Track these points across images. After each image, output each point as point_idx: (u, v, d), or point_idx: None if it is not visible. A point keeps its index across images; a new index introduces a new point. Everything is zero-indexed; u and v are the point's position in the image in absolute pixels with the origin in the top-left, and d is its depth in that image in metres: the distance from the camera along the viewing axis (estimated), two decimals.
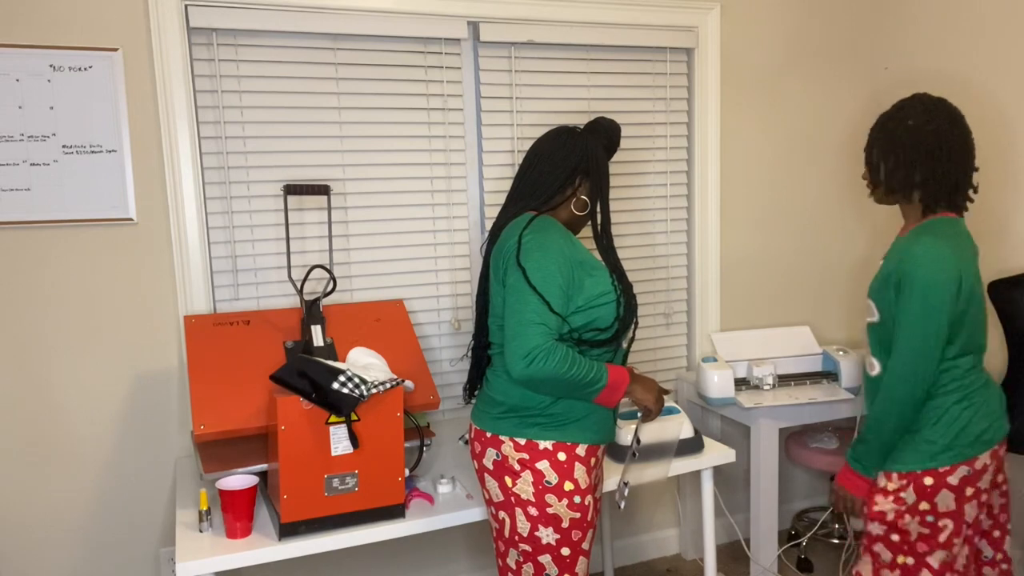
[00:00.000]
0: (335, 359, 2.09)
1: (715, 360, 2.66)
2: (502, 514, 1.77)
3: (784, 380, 2.78)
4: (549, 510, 1.72)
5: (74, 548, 2.34)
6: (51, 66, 2.16)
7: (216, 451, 2.01)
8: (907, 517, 1.76)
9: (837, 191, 3.26)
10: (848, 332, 3.38)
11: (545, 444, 1.73)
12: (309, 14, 2.36)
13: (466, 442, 2.39)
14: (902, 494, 1.76)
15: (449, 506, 1.99)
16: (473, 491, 2.08)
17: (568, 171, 1.82)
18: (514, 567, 1.77)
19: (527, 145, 2.72)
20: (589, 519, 1.77)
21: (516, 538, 1.76)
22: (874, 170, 1.84)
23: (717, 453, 2.27)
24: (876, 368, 1.86)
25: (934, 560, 1.75)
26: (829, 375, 2.78)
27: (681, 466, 2.23)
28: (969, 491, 1.76)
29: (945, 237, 1.70)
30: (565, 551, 1.74)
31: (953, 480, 1.74)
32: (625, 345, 1.86)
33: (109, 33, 2.22)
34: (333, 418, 1.78)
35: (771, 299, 3.20)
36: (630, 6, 2.76)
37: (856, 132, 3.27)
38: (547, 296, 1.65)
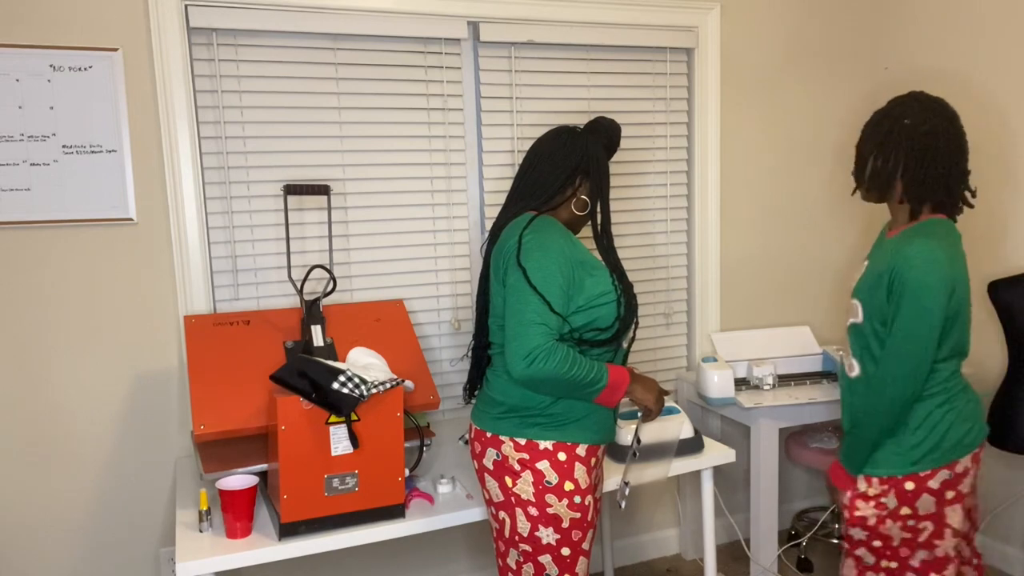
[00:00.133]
0: (335, 359, 2.09)
1: (715, 360, 2.66)
2: (502, 514, 1.77)
3: (784, 380, 2.78)
4: (549, 510, 1.72)
5: (74, 548, 2.34)
6: (51, 66, 2.16)
7: (216, 451, 2.01)
8: (888, 522, 1.76)
9: (837, 191, 3.26)
10: None
11: (545, 444, 1.73)
12: (309, 14, 2.36)
13: (466, 442, 2.39)
14: (883, 499, 1.76)
15: (449, 506, 1.99)
16: (473, 491, 2.08)
17: (568, 171, 1.82)
18: (514, 567, 1.77)
19: (527, 145, 2.72)
20: (589, 519, 1.77)
21: (516, 538, 1.75)
22: (865, 167, 1.81)
23: (717, 453, 2.27)
24: (855, 370, 1.84)
25: (915, 560, 1.75)
26: (829, 375, 2.78)
27: (681, 466, 2.23)
28: (950, 495, 1.75)
29: (939, 239, 1.68)
30: (565, 551, 1.74)
31: (934, 484, 1.73)
32: (625, 345, 1.86)
33: (109, 33, 2.22)
34: (333, 418, 1.78)
35: (771, 299, 3.20)
36: (630, 6, 2.76)
37: (856, 132, 3.26)
38: (547, 296, 1.65)
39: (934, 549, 1.76)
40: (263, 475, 2.05)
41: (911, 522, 1.75)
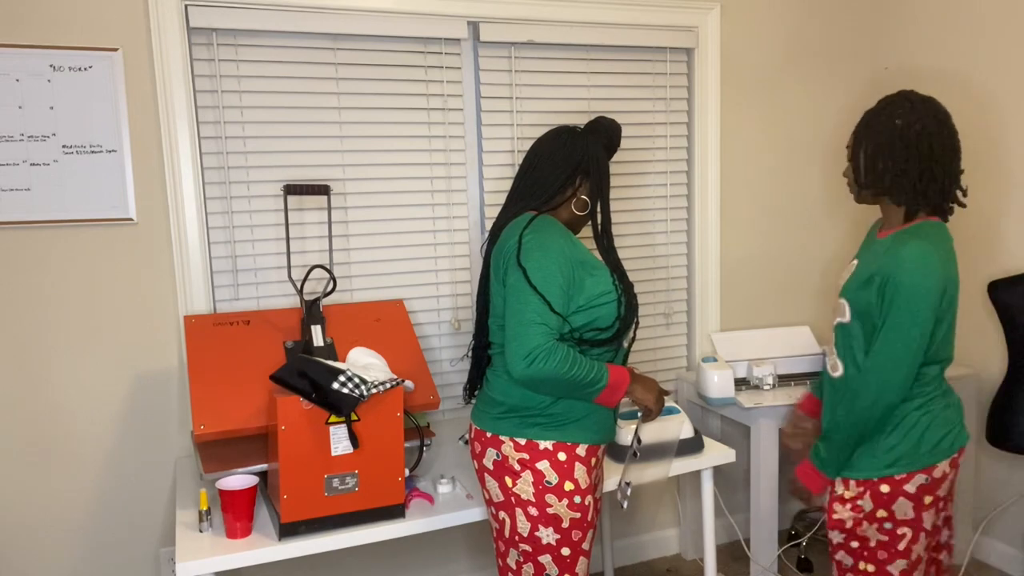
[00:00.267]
0: (335, 359, 2.09)
1: (715, 360, 2.66)
2: (502, 514, 1.77)
3: (784, 380, 2.78)
4: (549, 510, 1.72)
5: (74, 548, 2.34)
6: (51, 66, 2.16)
7: (216, 451, 2.01)
8: (865, 524, 1.75)
9: (837, 191, 3.26)
10: None
11: (545, 444, 1.73)
12: (309, 14, 2.36)
13: (466, 442, 2.38)
14: (859, 502, 1.75)
15: (449, 506, 1.99)
16: (473, 491, 2.08)
17: (568, 171, 1.82)
18: (514, 567, 1.77)
19: (527, 145, 2.72)
20: (589, 519, 1.77)
21: (516, 538, 1.76)
22: (857, 169, 1.79)
23: (717, 453, 2.27)
24: (839, 369, 1.82)
25: (894, 569, 1.75)
26: None
27: (681, 466, 2.23)
28: (927, 499, 1.73)
29: (933, 242, 1.66)
30: (565, 551, 1.74)
31: (910, 488, 1.72)
32: (626, 345, 1.86)
33: (109, 33, 2.22)
34: (333, 418, 1.78)
35: (771, 299, 3.20)
36: (630, 6, 2.76)
37: None
38: (548, 296, 1.65)
39: (909, 555, 1.75)
40: (263, 475, 2.05)
41: (888, 525, 1.73)
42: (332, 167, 2.51)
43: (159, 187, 2.31)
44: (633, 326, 1.82)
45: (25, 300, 2.22)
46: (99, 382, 2.31)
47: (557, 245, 1.69)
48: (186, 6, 2.27)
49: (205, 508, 1.85)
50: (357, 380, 1.77)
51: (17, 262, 2.21)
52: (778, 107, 3.10)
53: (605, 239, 1.84)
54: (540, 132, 2.74)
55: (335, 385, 1.75)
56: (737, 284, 3.12)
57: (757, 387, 2.70)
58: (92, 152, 2.22)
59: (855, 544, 1.77)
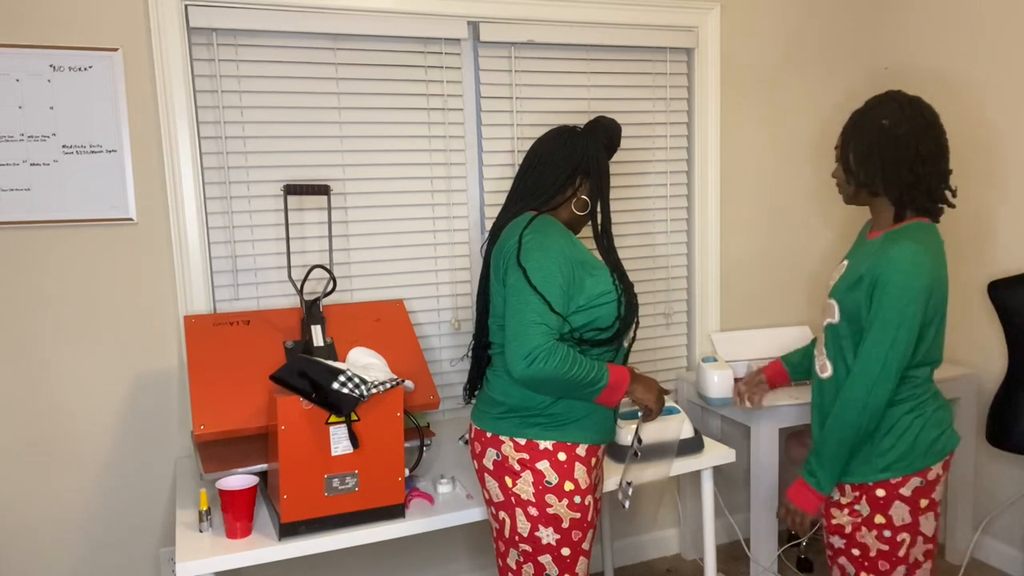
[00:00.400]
0: (335, 359, 2.09)
1: (715, 360, 2.65)
2: (502, 514, 1.77)
3: None
4: (549, 510, 1.72)
5: (74, 548, 2.34)
6: (51, 66, 2.16)
7: (216, 451, 2.01)
8: (864, 530, 1.74)
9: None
10: None
11: (545, 444, 1.73)
12: (309, 14, 2.36)
13: (466, 442, 2.38)
14: (856, 506, 1.75)
15: (449, 506, 1.99)
16: (473, 491, 2.08)
17: (568, 171, 1.82)
18: (514, 567, 1.77)
19: (527, 145, 2.72)
20: (589, 519, 1.77)
21: (516, 538, 1.75)
22: (845, 170, 1.78)
23: (717, 453, 2.27)
24: (828, 370, 1.81)
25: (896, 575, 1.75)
26: None
27: (681, 466, 2.23)
28: (923, 503, 1.73)
29: (923, 243, 1.65)
30: (565, 551, 1.74)
31: (906, 492, 1.72)
32: (626, 345, 1.86)
33: (109, 33, 2.22)
34: (333, 418, 1.78)
35: (771, 299, 3.20)
36: (630, 6, 2.76)
37: None
38: (548, 296, 1.65)
39: (909, 560, 1.75)
40: (263, 475, 2.05)
41: (887, 533, 1.73)
42: (332, 167, 2.51)
43: (159, 187, 2.31)
44: (633, 326, 1.82)
45: (25, 300, 2.22)
46: (99, 382, 2.31)
47: (557, 245, 1.69)
48: (186, 6, 2.27)
49: (205, 508, 1.85)
50: (357, 380, 1.77)
51: (17, 262, 2.21)
52: (778, 107, 3.10)
53: (605, 239, 1.84)
54: (540, 132, 2.74)
55: (335, 385, 1.75)
56: (737, 284, 3.12)
57: None
58: (92, 152, 2.22)
59: (856, 552, 1.76)
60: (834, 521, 1.78)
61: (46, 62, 2.15)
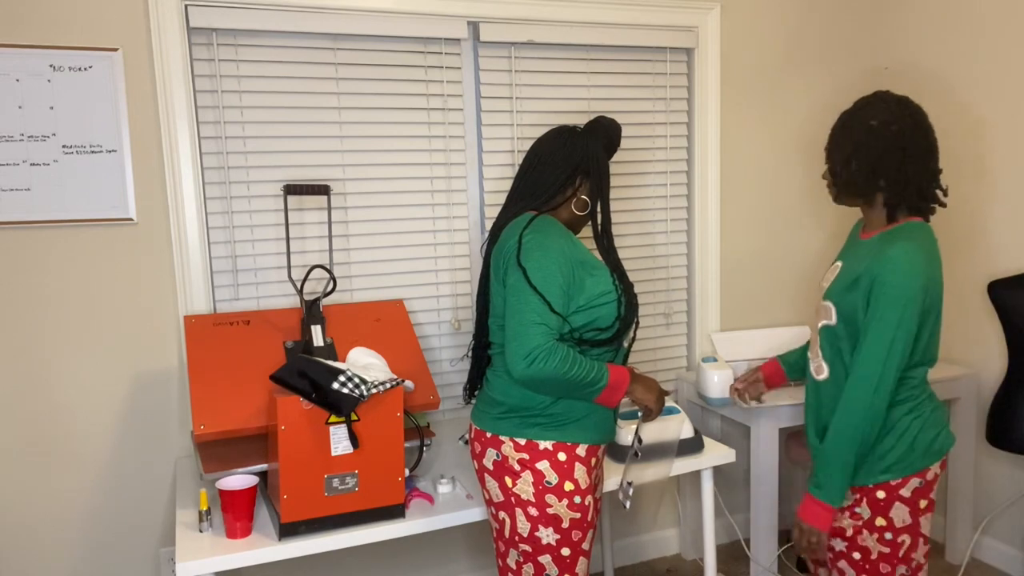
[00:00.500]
0: (335, 359, 2.09)
1: (715, 360, 2.65)
2: (502, 514, 1.77)
3: None
4: (549, 510, 1.72)
5: (74, 548, 2.34)
6: (51, 66, 2.16)
7: (216, 451, 2.01)
8: (865, 533, 1.74)
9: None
10: None
11: (545, 444, 1.73)
12: (309, 14, 2.36)
13: (466, 442, 2.39)
14: (857, 509, 1.74)
15: (449, 506, 1.99)
16: (473, 491, 2.08)
17: (568, 171, 1.81)
18: (514, 567, 1.77)
19: (527, 145, 2.72)
20: (589, 519, 1.77)
21: (516, 538, 1.75)
22: (836, 171, 1.77)
23: (717, 453, 2.27)
24: (825, 372, 1.80)
25: None
26: None
27: (681, 466, 2.23)
28: (923, 503, 1.73)
29: (920, 243, 1.65)
30: (565, 551, 1.74)
31: (906, 493, 1.71)
32: (626, 345, 1.86)
33: (109, 33, 2.22)
34: (333, 418, 1.78)
35: (771, 299, 3.20)
36: (630, 6, 2.76)
37: None
38: (548, 296, 1.65)
39: (911, 562, 1.75)
40: (263, 475, 2.05)
41: (888, 535, 1.72)
42: (332, 167, 2.51)
43: (159, 187, 2.31)
44: (633, 326, 1.82)
45: (25, 300, 2.22)
46: (99, 382, 2.31)
47: (557, 245, 1.69)
48: (186, 6, 2.27)
49: (205, 508, 1.85)
50: (357, 380, 1.77)
51: (17, 262, 2.21)
52: (778, 107, 3.10)
53: (605, 239, 1.84)
54: (540, 132, 2.74)
55: (335, 385, 1.75)
56: (737, 284, 3.12)
57: None
58: (92, 152, 2.22)
59: (857, 556, 1.76)
60: (835, 524, 1.77)
61: (46, 62, 2.15)
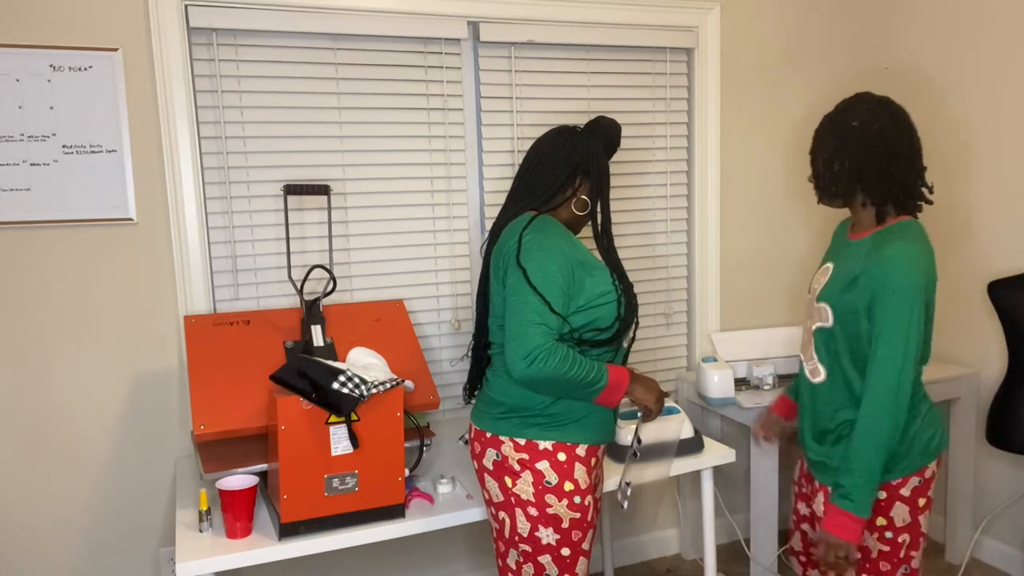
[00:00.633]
0: (335, 359, 2.09)
1: (715, 360, 2.66)
2: (502, 514, 1.77)
3: (784, 380, 2.78)
4: (549, 510, 1.72)
5: (74, 548, 2.34)
6: (51, 66, 2.16)
7: (216, 451, 2.01)
8: (865, 533, 1.74)
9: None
10: None
11: (545, 444, 1.73)
12: (309, 14, 2.36)
13: (466, 442, 2.39)
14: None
15: (449, 506, 1.99)
16: (473, 491, 2.08)
17: (568, 171, 1.81)
18: (514, 567, 1.77)
19: (527, 145, 2.72)
20: (589, 519, 1.77)
21: (516, 538, 1.75)
22: (820, 173, 1.78)
23: (717, 453, 2.27)
24: (821, 374, 1.79)
25: None
26: None
27: (681, 466, 2.23)
28: (922, 502, 1.73)
29: (916, 241, 1.65)
30: (565, 551, 1.74)
31: (905, 492, 1.72)
32: (626, 345, 1.86)
33: (109, 33, 2.22)
34: (333, 418, 1.78)
35: (771, 299, 3.20)
36: (630, 6, 2.76)
37: None
38: (547, 296, 1.65)
39: (911, 561, 1.75)
40: (263, 475, 2.05)
41: (888, 534, 1.73)
42: (332, 167, 2.51)
43: (159, 187, 2.31)
44: (633, 326, 1.82)
45: (25, 300, 2.22)
46: (99, 382, 2.31)
47: (557, 245, 1.69)
48: (186, 6, 2.27)
49: (205, 508, 1.85)
50: (357, 380, 1.77)
51: (17, 262, 2.21)
52: (778, 107, 3.10)
53: (605, 239, 1.84)
54: (540, 132, 2.74)
55: (335, 385, 1.75)
56: (737, 284, 3.12)
57: (757, 387, 2.70)
58: (92, 152, 2.22)
59: (857, 556, 1.76)
60: None
61: (46, 62, 2.15)
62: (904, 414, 1.64)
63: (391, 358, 2.20)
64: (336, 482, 1.80)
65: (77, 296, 2.27)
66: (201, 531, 1.86)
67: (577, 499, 1.74)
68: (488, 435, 1.78)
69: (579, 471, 1.75)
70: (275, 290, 2.48)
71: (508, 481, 1.75)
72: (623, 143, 2.88)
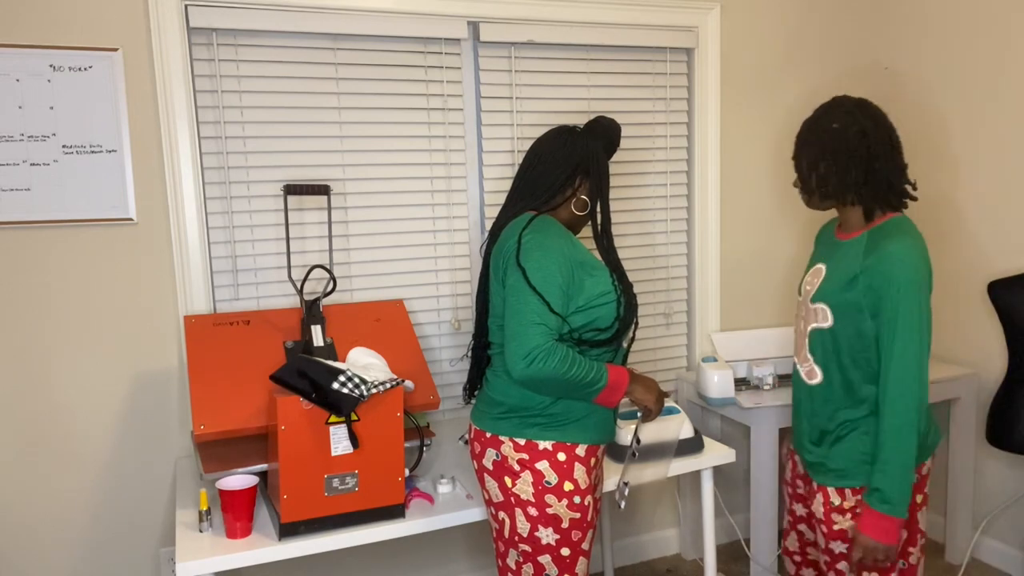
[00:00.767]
0: (335, 359, 2.09)
1: (715, 360, 2.66)
2: (502, 514, 1.78)
3: (784, 380, 2.78)
4: (549, 510, 1.72)
5: (74, 548, 2.34)
6: (51, 66, 2.16)
7: (216, 451, 2.01)
8: None
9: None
10: None
11: (545, 444, 1.73)
12: (309, 14, 2.36)
13: (466, 442, 2.39)
14: (858, 510, 1.74)
15: (449, 506, 1.99)
16: (473, 491, 2.08)
17: (568, 171, 1.81)
18: (514, 567, 1.77)
19: (527, 145, 2.72)
20: (589, 519, 1.77)
21: (516, 538, 1.76)
22: (805, 177, 1.80)
23: (717, 453, 2.27)
24: (818, 376, 1.80)
25: (894, 571, 1.75)
26: None
27: (681, 466, 2.23)
28: (919, 498, 1.74)
29: (913, 235, 1.67)
30: (565, 551, 1.74)
31: None
32: (625, 345, 1.86)
33: (109, 33, 2.22)
34: (333, 418, 1.78)
35: (771, 299, 3.20)
36: (630, 6, 2.76)
37: None
38: (547, 296, 1.65)
39: (908, 557, 1.75)
40: (263, 475, 2.05)
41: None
42: (332, 167, 2.51)
43: (159, 187, 2.31)
44: (632, 326, 1.82)
45: (25, 300, 2.22)
46: (99, 382, 2.31)
47: (556, 245, 1.69)
48: (186, 6, 2.27)
49: (205, 508, 1.85)
50: (357, 380, 1.77)
51: (17, 262, 2.21)
52: (778, 107, 3.10)
53: (605, 239, 1.84)
54: (540, 132, 2.74)
55: (335, 385, 1.75)
56: (737, 284, 3.12)
57: (757, 387, 2.70)
58: (92, 152, 2.22)
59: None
60: (836, 527, 1.77)
61: (46, 62, 2.15)
62: (926, 406, 1.65)
63: (391, 358, 2.20)
64: (336, 482, 1.80)
65: (77, 296, 2.27)
66: (201, 531, 1.86)
67: (577, 499, 1.74)
68: (488, 435, 1.78)
69: (579, 471, 1.75)
70: (275, 290, 2.48)
71: (508, 481, 1.75)
72: (623, 143, 2.88)
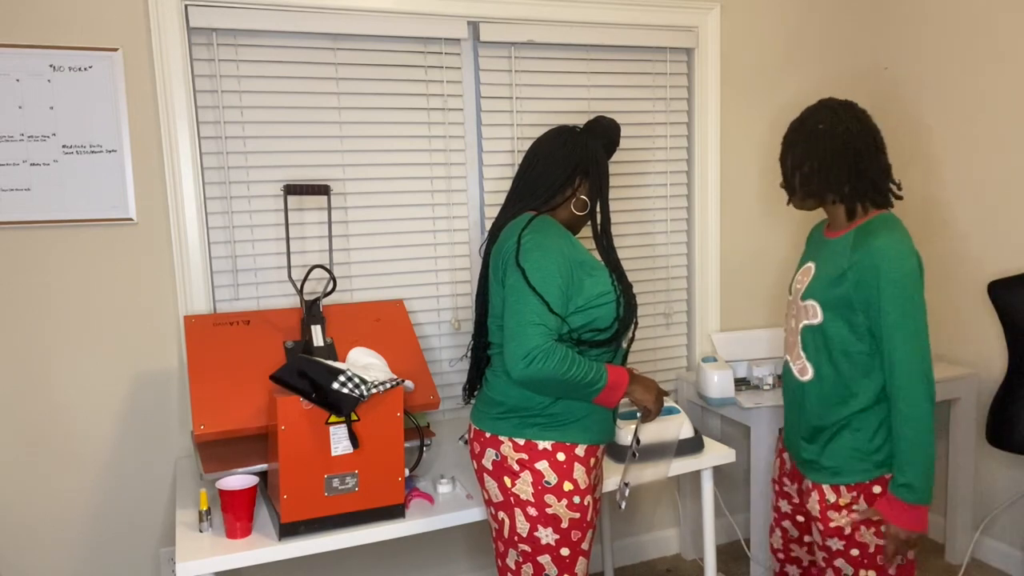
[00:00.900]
0: (335, 359, 2.09)
1: (715, 360, 2.66)
2: (501, 514, 1.78)
3: None
4: (548, 510, 1.72)
5: (74, 548, 2.34)
6: (51, 66, 2.16)
7: (216, 451, 2.01)
8: (863, 529, 1.75)
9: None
10: None
11: (544, 444, 1.73)
12: (309, 14, 2.37)
13: (466, 442, 2.39)
14: (855, 506, 1.75)
15: (449, 506, 1.99)
16: (473, 491, 2.08)
17: (568, 171, 1.81)
18: (513, 567, 1.77)
19: (527, 145, 2.72)
20: (588, 519, 1.77)
21: (515, 538, 1.76)
22: (789, 176, 1.83)
23: (717, 453, 2.27)
24: (809, 372, 1.81)
25: (893, 569, 1.75)
26: None
27: (681, 466, 2.23)
28: None
29: (900, 231, 1.69)
30: (564, 551, 1.74)
31: None
32: (625, 345, 1.86)
33: (109, 33, 2.22)
34: (333, 418, 1.78)
35: (771, 299, 3.20)
36: (630, 6, 2.76)
37: None
38: (546, 296, 1.65)
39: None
40: (263, 475, 2.05)
41: (884, 527, 1.74)
42: (332, 167, 2.51)
43: (159, 187, 2.31)
44: (632, 326, 1.82)
45: (25, 300, 2.22)
46: (99, 382, 2.31)
47: (556, 245, 1.69)
48: (186, 6, 2.27)
49: (205, 508, 1.85)
50: (357, 380, 1.77)
51: (17, 262, 2.21)
52: (778, 107, 3.10)
53: (605, 239, 1.84)
54: (540, 132, 2.74)
55: (335, 385, 1.75)
56: (737, 284, 3.12)
57: (757, 387, 2.70)
58: (92, 152, 2.22)
59: (855, 552, 1.76)
60: (832, 524, 1.78)
61: (46, 62, 2.15)
62: (933, 391, 1.67)
63: (391, 358, 2.20)
64: (336, 482, 1.80)
65: (77, 296, 2.27)
66: (201, 531, 1.86)
67: (576, 499, 1.74)
68: (487, 435, 1.79)
69: (578, 471, 1.75)
70: (275, 290, 2.48)
71: (507, 481, 1.75)
72: (623, 143, 2.88)
